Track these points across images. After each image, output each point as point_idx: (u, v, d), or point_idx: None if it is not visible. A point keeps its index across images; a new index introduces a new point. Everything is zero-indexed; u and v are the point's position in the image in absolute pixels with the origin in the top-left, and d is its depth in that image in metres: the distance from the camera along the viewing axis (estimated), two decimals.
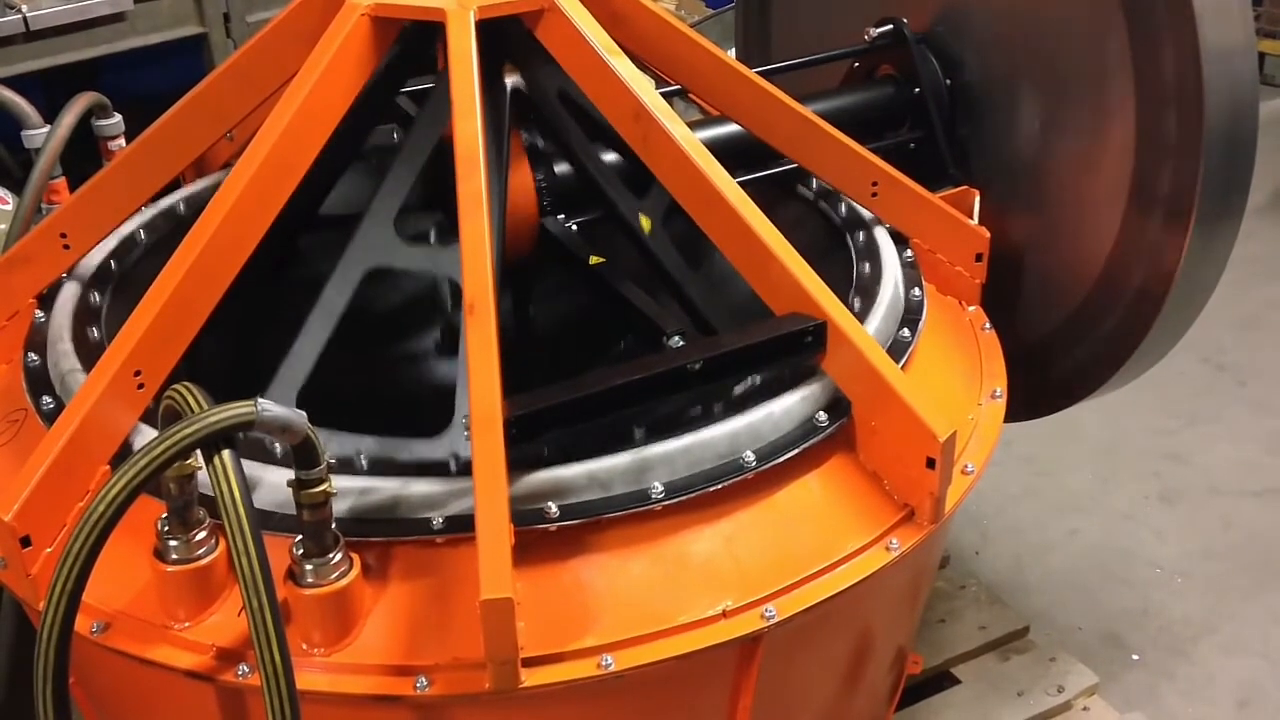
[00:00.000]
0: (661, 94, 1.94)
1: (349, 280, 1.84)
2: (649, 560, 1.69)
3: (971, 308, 2.32)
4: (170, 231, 2.25)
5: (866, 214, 2.31)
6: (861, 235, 2.28)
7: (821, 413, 1.83)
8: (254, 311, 1.95)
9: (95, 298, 2.08)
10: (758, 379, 1.86)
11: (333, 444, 1.63)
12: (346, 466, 1.67)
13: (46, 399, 1.88)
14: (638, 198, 2.11)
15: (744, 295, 1.95)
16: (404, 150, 1.97)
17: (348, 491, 1.63)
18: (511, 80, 2.06)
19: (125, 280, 2.15)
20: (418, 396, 2.44)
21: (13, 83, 2.95)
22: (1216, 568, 3.38)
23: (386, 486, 1.65)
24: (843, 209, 2.36)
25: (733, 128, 2.24)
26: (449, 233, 1.71)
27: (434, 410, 1.73)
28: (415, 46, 1.99)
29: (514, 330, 2.25)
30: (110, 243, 2.18)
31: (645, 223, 2.05)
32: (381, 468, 1.68)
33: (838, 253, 2.28)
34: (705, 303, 2.02)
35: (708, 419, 1.77)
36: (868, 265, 2.19)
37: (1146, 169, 2.20)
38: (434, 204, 2.05)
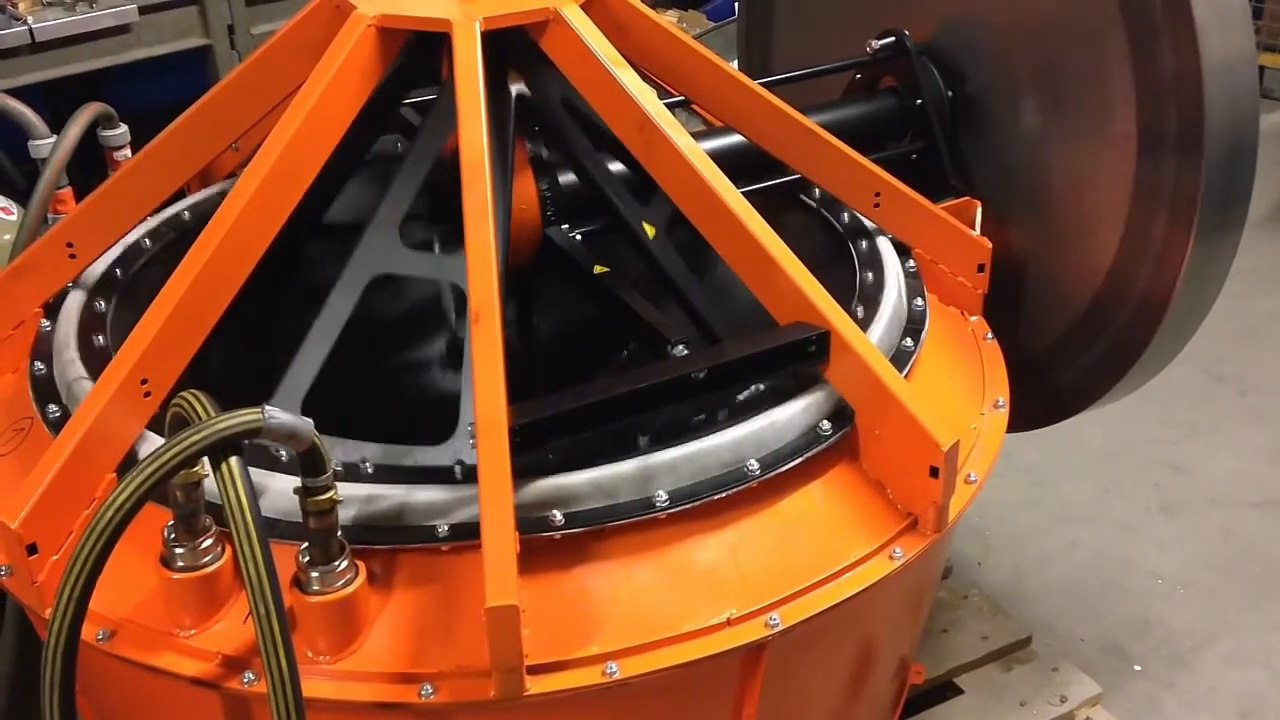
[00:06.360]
0: (665, 104, 1.95)
1: (354, 287, 1.84)
2: (653, 568, 1.69)
3: (974, 318, 2.32)
4: (176, 239, 2.26)
5: (869, 223, 2.32)
6: (864, 243, 2.29)
7: (825, 421, 1.83)
8: (259, 319, 1.96)
9: (101, 305, 2.09)
10: (762, 386, 1.87)
11: (337, 451, 1.63)
12: (352, 473, 1.67)
13: (53, 408, 1.88)
14: (642, 205, 2.12)
15: (746, 304, 1.95)
16: (409, 159, 1.98)
17: (353, 499, 1.64)
18: (516, 87, 2.07)
19: (131, 288, 2.15)
20: (423, 405, 2.45)
21: (18, 94, 2.95)
22: (1217, 578, 3.38)
23: (392, 494, 1.65)
24: (845, 217, 2.37)
25: (735, 138, 2.25)
26: (453, 241, 1.72)
27: (439, 418, 1.74)
28: (419, 57, 2.00)
29: (518, 340, 2.25)
30: (115, 250, 2.18)
31: (649, 230, 2.06)
32: (386, 474, 1.68)
33: (841, 261, 2.28)
34: (708, 310, 2.03)
35: (712, 426, 1.77)
36: (870, 274, 2.20)
37: (1148, 180, 2.21)
38: (438, 216, 2.06)
